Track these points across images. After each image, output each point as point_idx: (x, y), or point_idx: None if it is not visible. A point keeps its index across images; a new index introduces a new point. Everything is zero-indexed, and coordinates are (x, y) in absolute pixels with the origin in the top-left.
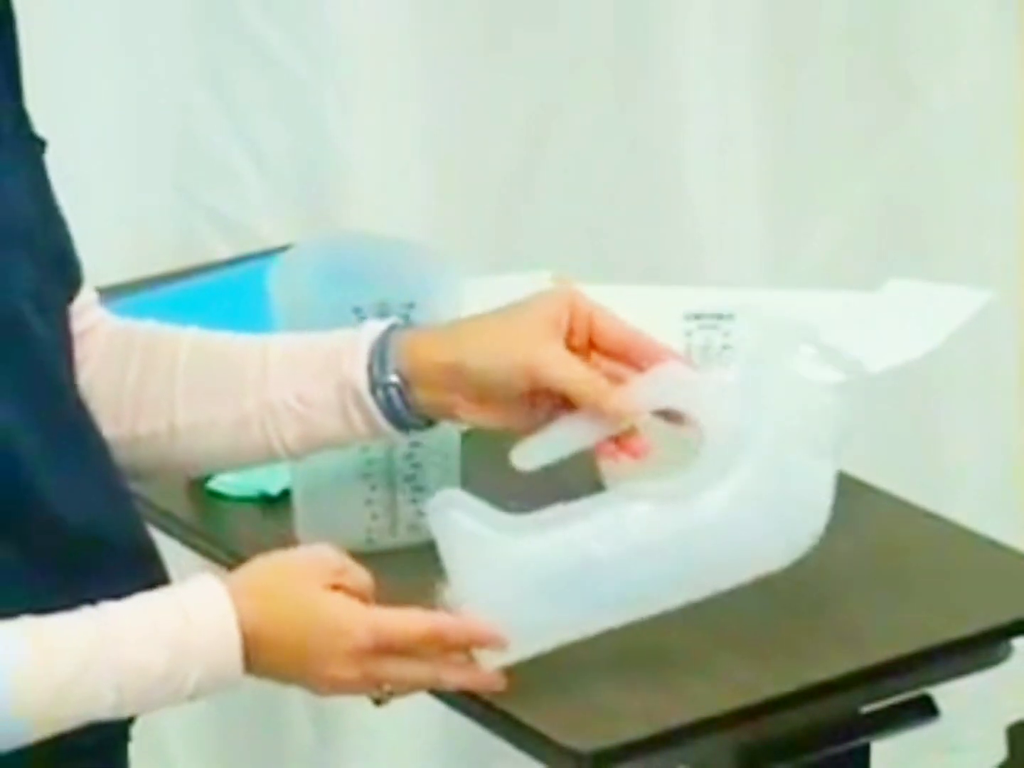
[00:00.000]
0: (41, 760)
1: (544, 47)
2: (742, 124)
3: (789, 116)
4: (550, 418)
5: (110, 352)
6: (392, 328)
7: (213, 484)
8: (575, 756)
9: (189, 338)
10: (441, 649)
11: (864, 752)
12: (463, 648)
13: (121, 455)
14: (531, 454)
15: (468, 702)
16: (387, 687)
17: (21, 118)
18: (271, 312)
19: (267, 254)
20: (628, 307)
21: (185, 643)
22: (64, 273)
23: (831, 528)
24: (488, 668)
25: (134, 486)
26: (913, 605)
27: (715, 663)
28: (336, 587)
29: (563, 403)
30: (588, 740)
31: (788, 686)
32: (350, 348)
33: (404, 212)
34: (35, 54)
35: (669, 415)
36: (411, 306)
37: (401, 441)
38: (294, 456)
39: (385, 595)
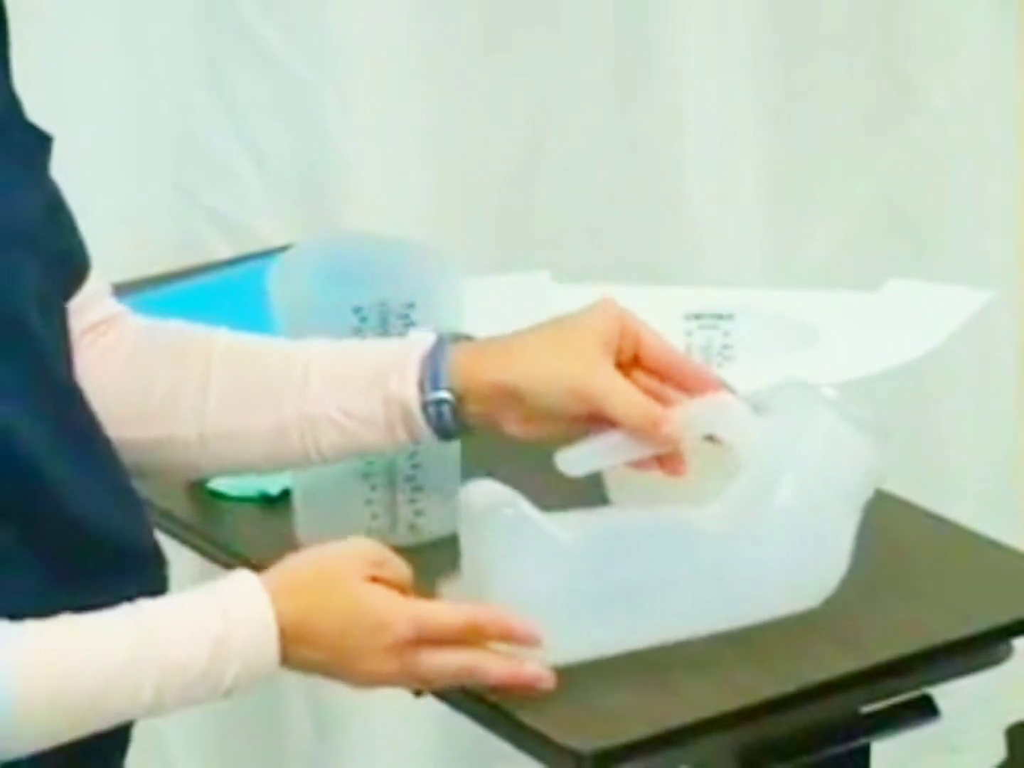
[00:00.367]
0: (43, 763)
1: (544, 47)
2: (742, 124)
3: (789, 116)
4: (593, 428)
5: (138, 352)
6: (440, 343)
7: (213, 484)
8: (576, 756)
9: (222, 341)
10: (478, 641)
11: (864, 752)
12: (499, 641)
13: (147, 457)
14: (578, 462)
15: (468, 702)
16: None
17: (16, 108)
18: (271, 312)
19: (267, 254)
20: (628, 307)
21: (225, 639)
22: (68, 267)
23: None
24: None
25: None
26: (913, 605)
27: (715, 663)
28: (375, 579)
29: (611, 420)
30: (589, 740)
31: (788, 686)
32: (399, 364)
33: (404, 212)
34: (35, 54)
35: (712, 437)
36: (411, 306)
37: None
38: (326, 462)
39: None
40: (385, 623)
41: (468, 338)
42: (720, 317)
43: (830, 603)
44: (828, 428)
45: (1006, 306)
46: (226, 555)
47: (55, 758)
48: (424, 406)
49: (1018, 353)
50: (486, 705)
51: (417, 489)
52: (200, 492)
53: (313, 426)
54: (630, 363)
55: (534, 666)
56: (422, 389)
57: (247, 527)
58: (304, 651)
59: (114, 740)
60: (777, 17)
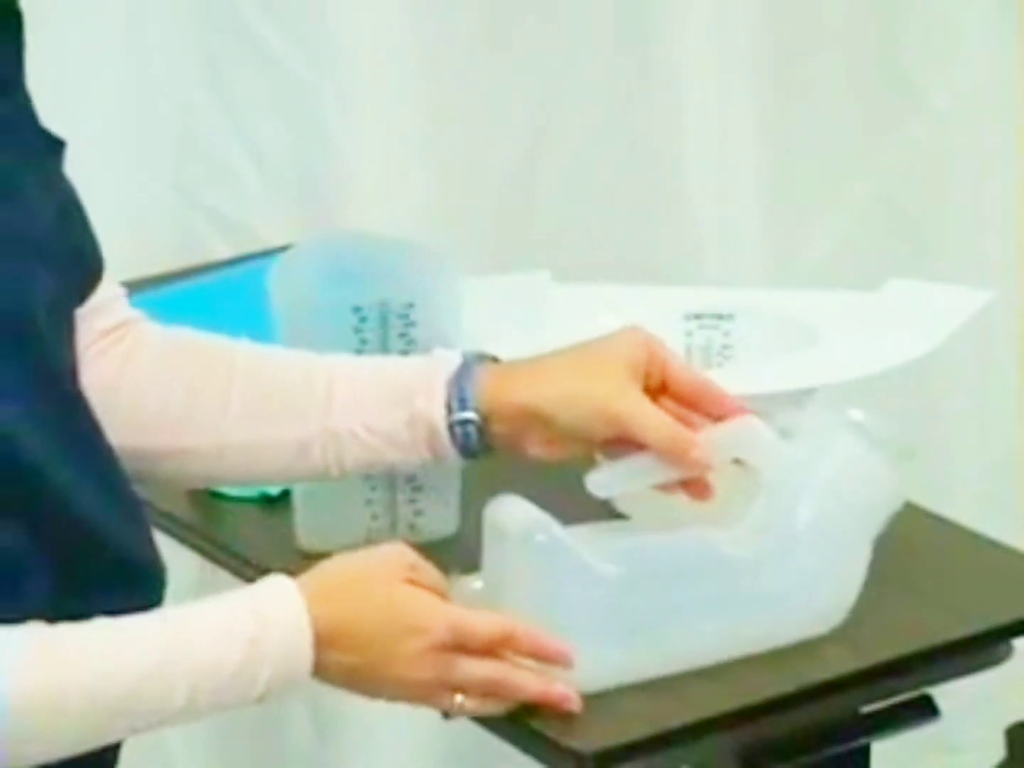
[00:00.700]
0: None
1: (544, 47)
2: (742, 124)
3: (789, 116)
4: (619, 451)
5: (158, 359)
6: (466, 363)
7: None
8: (576, 756)
9: (243, 353)
10: (508, 654)
11: (864, 752)
12: (530, 657)
13: (162, 465)
14: (607, 483)
15: None
16: (458, 698)
17: (29, 111)
18: (271, 312)
19: (267, 254)
20: (628, 307)
21: (258, 640)
22: (81, 268)
23: None
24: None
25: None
26: (913, 605)
27: (715, 663)
28: (411, 583)
29: (640, 443)
30: (589, 740)
31: (788, 686)
32: (425, 384)
33: (404, 212)
34: (36, 54)
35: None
36: (411, 306)
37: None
38: (345, 476)
39: None
40: (423, 626)
41: (494, 359)
42: (720, 317)
43: None
44: (849, 453)
45: (1006, 306)
46: (226, 556)
47: None
48: (451, 426)
49: (1018, 353)
50: None
51: (417, 489)
52: (200, 493)
53: (337, 442)
54: (657, 389)
55: (563, 686)
56: (449, 409)
57: (247, 527)
58: (338, 655)
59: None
60: (777, 17)
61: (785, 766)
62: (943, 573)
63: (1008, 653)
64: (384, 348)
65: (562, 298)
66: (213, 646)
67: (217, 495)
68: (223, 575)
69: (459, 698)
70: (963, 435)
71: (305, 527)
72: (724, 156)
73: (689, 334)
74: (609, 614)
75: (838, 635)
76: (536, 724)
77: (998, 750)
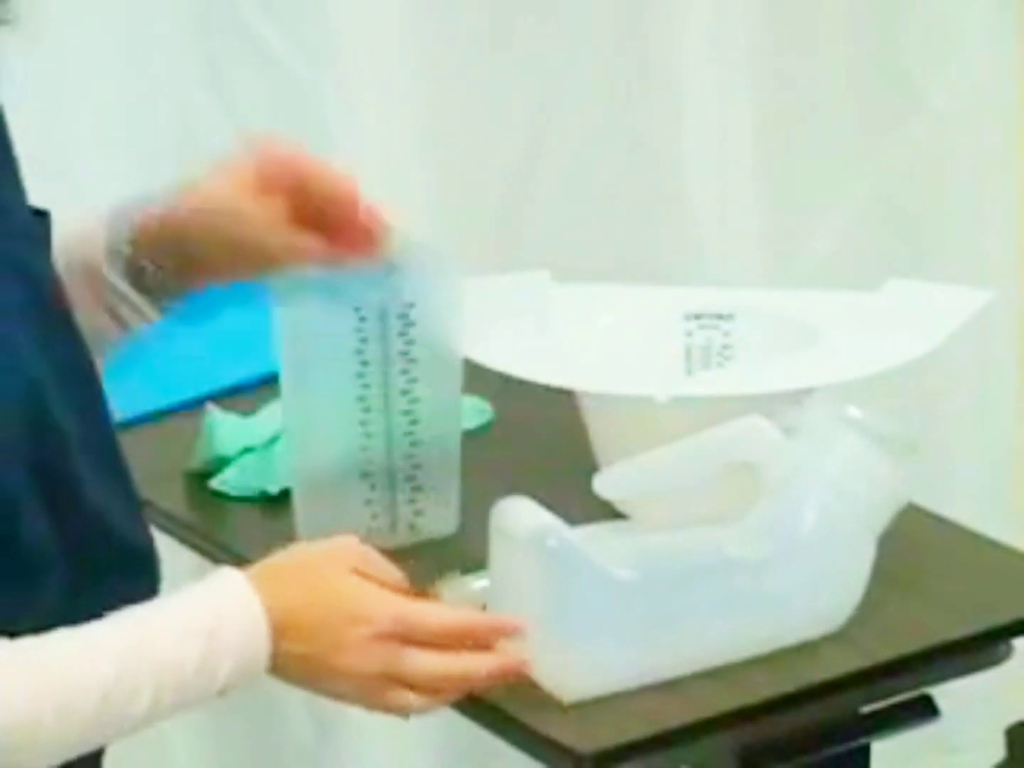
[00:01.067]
0: None
1: (544, 47)
2: (742, 124)
3: (789, 116)
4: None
5: None
6: (119, 207)
7: (214, 484)
8: (575, 756)
9: None
10: (468, 646)
11: (864, 752)
12: (485, 643)
13: None
14: (616, 485)
15: (468, 702)
16: (410, 696)
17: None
18: (271, 312)
19: None
20: (628, 307)
21: (215, 632)
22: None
23: None
24: (562, 695)
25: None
26: (913, 605)
27: (722, 664)
28: (359, 574)
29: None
30: (588, 740)
31: (788, 686)
32: (91, 235)
33: (404, 212)
34: (36, 54)
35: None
36: (411, 306)
37: (154, 318)
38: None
39: None
40: (367, 615)
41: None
42: (720, 317)
43: None
44: (851, 451)
45: (1006, 306)
46: (226, 555)
47: None
48: (108, 257)
49: (1018, 353)
50: (486, 705)
51: (417, 489)
52: (201, 492)
53: None
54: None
55: (515, 654)
56: (108, 246)
57: (247, 527)
58: (289, 645)
59: None
60: (777, 17)
61: (785, 766)
62: (943, 573)
63: (1008, 653)
64: (384, 348)
65: (562, 298)
66: (173, 643)
67: (218, 494)
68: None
69: (411, 696)
70: (963, 435)
71: (305, 527)
72: (724, 156)
73: (689, 334)
74: (619, 617)
75: (838, 635)
76: (535, 723)
77: (998, 750)
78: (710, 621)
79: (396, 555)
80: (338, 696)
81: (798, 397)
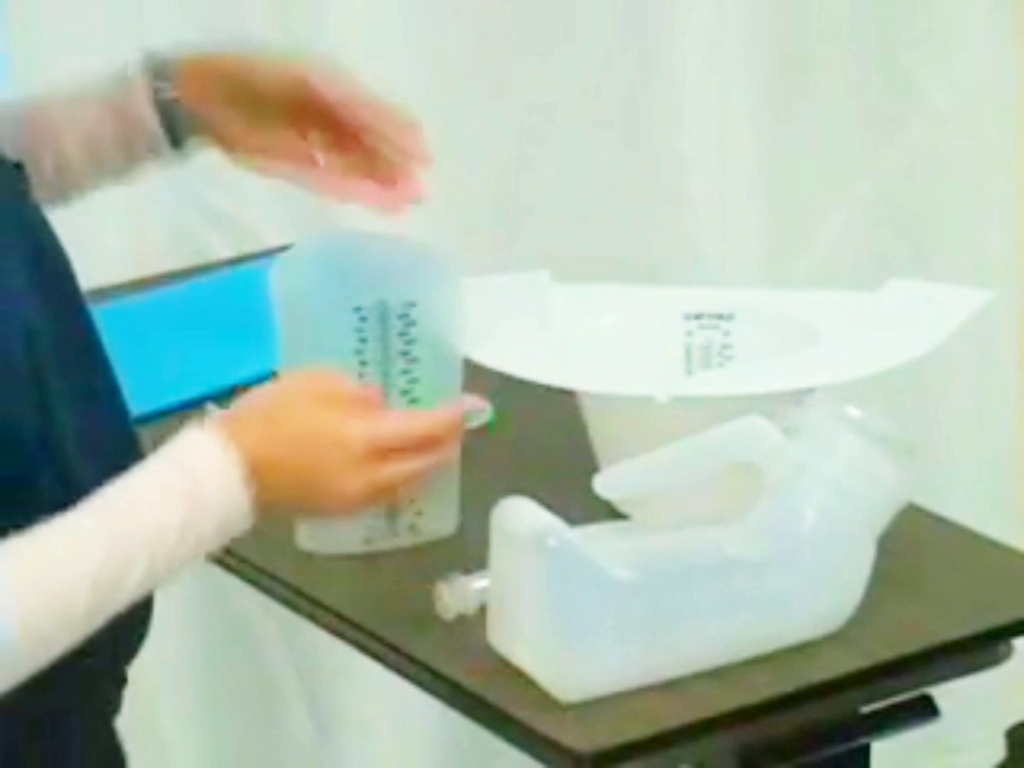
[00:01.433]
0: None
1: (544, 47)
2: (742, 124)
3: (789, 116)
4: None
5: None
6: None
7: None
8: (575, 756)
9: None
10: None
11: (864, 752)
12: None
13: None
14: (616, 485)
15: (468, 702)
16: (400, 492)
17: None
18: (271, 312)
19: (267, 254)
20: (628, 307)
21: (193, 492)
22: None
23: None
24: (562, 695)
25: None
26: (913, 605)
27: (722, 664)
28: (323, 404)
29: (334, 141)
30: (588, 740)
31: (788, 686)
32: (122, 72)
33: (404, 212)
34: (35, 52)
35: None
36: (411, 306)
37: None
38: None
39: (383, 595)
40: (340, 442)
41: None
42: (720, 317)
43: None
44: (851, 451)
45: (1006, 306)
46: (225, 555)
47: (51, 714)
48: (150, 90)
49: (1018, 353)
50: (486, 705)
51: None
52: None
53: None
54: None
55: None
56: (148, 75)
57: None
58: (272, 485)
59: (109, 703)
60: (777, 17)
61: (785, 766)
62: (943, 573)
63: (1008, 653)
64: (384, 348)
65: (562, 298)
66: (154, 511)
67: None
68: (223, 575)
69: (401, 492)
70: (963, 435)
71: (305, 527)
72: (724, 156)
73: (689, 334)
74: (619, 617)
75: (838, 635)
76: (535, 723)
77: (998, 750)
78: (710, 621)
79: (395, 555)
80: (330, 516)
81: (798, 397)
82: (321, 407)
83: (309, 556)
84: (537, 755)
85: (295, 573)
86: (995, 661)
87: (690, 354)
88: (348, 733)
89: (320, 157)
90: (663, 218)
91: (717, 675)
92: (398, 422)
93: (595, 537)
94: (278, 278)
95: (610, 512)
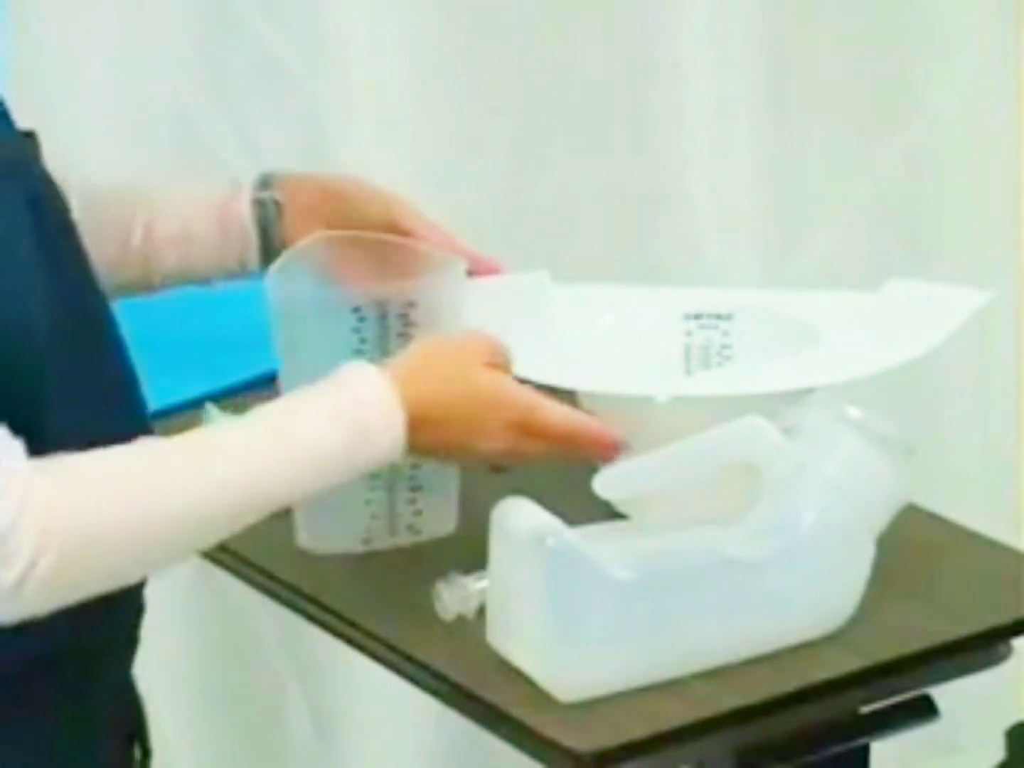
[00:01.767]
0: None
1: (544, 47)
2: (742, 125)
3: (788, 117)
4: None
5: None
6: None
7: None
8: (575, 756)
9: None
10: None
11: (864, 752)
12: (589, 452)
13: None
14: (615, 485)
15: (468, 702)
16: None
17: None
18: (270, 312)
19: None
20: (628, 307)
21: (356, 426)
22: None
23: None
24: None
25: None
26: (913, 605)
27: (722, 664)
28: (491, 366)
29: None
30: (588, 740)
31: (788, 686)
32: (235, 188)
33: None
34: (35, 52)
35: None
36: (411, 306)
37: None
38: (165, 284)
39: (383, 595)
40: (503, 402)
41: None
42: (720, 317)
43: None
44: (851, 451)
45: (1006, 306)
46: (225, 555)
47: (72, 653)
48: (252, 203)
49: (1018, 353)
50: (486, 705)
51: (416, 489)
52: None
53: (156, 249)
54: None
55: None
56: (254, 192)
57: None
58: (429, 433)
59: (126, 639)
60: (777, 17)
61: (785, 766)
62: (943, 573)
63: (1008, 653)
64: (383, 348)
65: (562, 298)
66: (318, 430)
67: None
68: (223, 575)
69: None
70: (963, 435)
71: (305, 527)
72: (724, 156)
73: (689, 334)
74: (619, 617)
75: (838, 635)
76: (535, 724)
77: (998, 750)
78: (710, 621)
79: (395, 555)
80: (459, 463)
81: (798, 397)
82: (489, 368)
83: (309, 556)
84: (536, 755)
85: (295, 573)
86: (995, 661)
87: (689, 354)
88: (348, 733)
89: None
90: (663, 218)
91: (717, 675)
92: (559, 414)
93: (595, 537)
94: (278, 278)
95: (610, 512)
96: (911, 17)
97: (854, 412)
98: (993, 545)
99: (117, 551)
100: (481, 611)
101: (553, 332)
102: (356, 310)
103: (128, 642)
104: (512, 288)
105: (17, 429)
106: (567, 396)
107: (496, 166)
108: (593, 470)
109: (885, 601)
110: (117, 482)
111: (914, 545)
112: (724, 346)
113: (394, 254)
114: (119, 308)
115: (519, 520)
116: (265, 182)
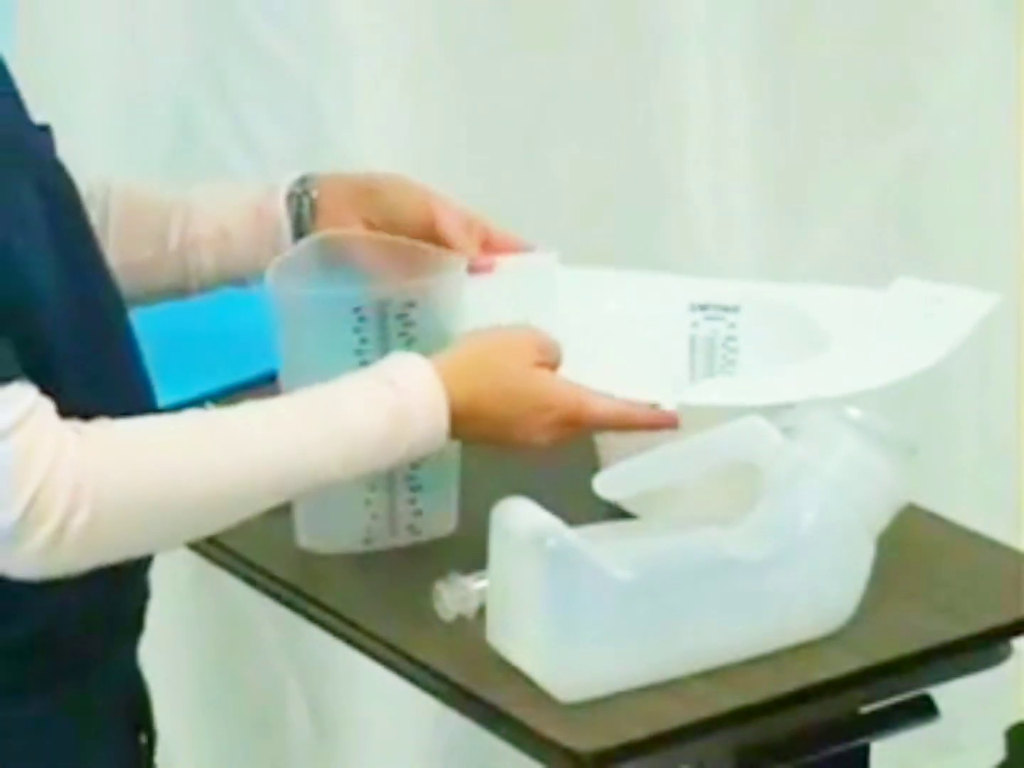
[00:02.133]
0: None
1: (544, 47)
2: (742, 125)
3: (789, 118)
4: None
5: None
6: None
7: None
8: (575, 756)
9: (117, 182)
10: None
11: (864, 752)
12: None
13: None
14: (615, 484)
15: (468, 702)
16: None
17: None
18: (271, 312)
19: None
20: (634, 294)
21: (400, 419)
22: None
23: None
24: (562, 695)
25: None
26: (913, 605)
27: (723, 664)
28: (540, 364)
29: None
30: (588, 740)
31: (788, 686)
32: (270, 187)
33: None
34: (34, 51)
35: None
36: (411, 306)
37: None
38: (203, 287)
39: (383, 595)
40: (551, 403)
41: None
42: (726, 309)
43: None
44: (851, 451)
45: (1006, 306)
46: (226, 555)
47: (79, 636)
48: (288, 197)
49: (1019, 353)
50: (485, 705)
51: (416, 489)
52: None
53: (194, 251)
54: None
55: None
56: (289, 187)
57: (246, 527)
58: (473, 427)
59: (132, 623)
60: (777, 16)
61: (785, 766)
62: (943, 573)
63: (1008, 653)
64: (384, 348)
65: (568, 283)
66: (362, 419)
67: None
68: (223, 575)
69: None
70: (963, 435)
71: (305, 527)
72: (724, 157)
73: (694, 325)
74: (620, 617)
75: (838, 635)
76: (535, 723)
77: (998, 750)
78: (710, 621)
79: (395, 555)
80: (508, 452)
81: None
82: (534, 366)
83: (309, 556)
84: (536, 755)
85: (295, 573)
86: (995, 661)
87: (694, 346)
88: (347, 733)
89: None
90: (663, 219)
91: (717, 675)
92: (604, 408)
93: (595, 537)
94: (278, 278)
95: (610, 512)
96: (911, 17)
97: (854, 412)
98: (993, 545)
99: (152, 516)
100: (481, 611)
101: (556, 321)
102: (356, 310)
103: (134, 627)
104: (523, 267)
105: None
106: None
107: (495, 166)
108: (593, 470)
109: (885, 601)
110: (156, 447)
111: (914, 545)
112: (729, 338)
113: (401, 252)
114: None
115: (519, 520)
116: (302, 181)
